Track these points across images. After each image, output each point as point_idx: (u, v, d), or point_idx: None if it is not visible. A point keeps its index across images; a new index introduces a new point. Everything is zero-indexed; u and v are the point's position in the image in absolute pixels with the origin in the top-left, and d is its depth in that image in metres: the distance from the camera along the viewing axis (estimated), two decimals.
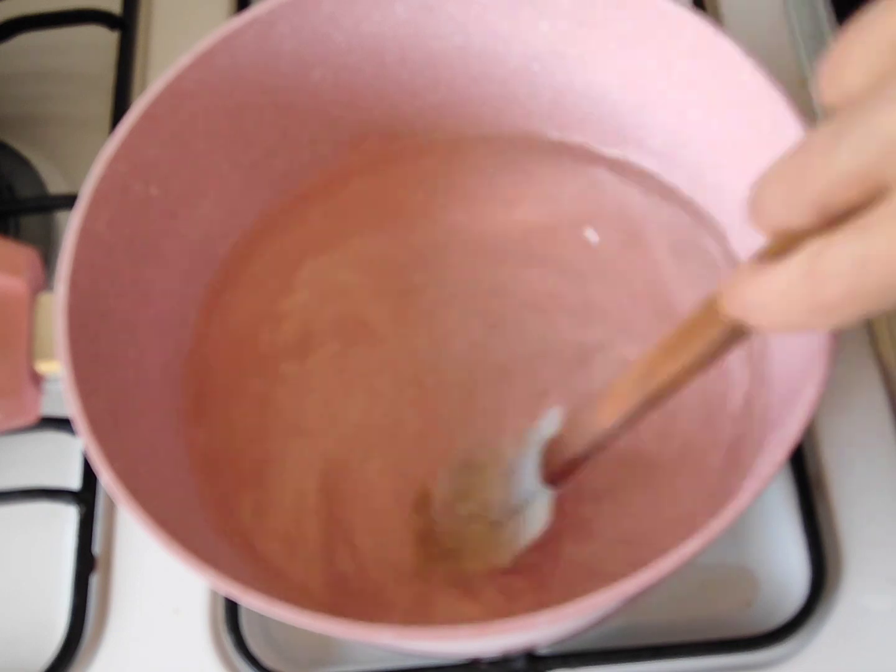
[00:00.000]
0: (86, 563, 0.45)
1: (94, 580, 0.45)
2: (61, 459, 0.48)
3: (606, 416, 0.33)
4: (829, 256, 0.24)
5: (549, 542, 0.38)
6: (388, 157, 0.46)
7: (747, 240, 0.42)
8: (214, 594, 0.45)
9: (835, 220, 0.24)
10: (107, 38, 0.57)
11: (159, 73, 0.39)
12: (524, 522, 0.37)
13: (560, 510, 0.37)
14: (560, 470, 0.36)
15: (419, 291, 0.45)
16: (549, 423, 0.36)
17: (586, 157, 0.46)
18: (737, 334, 0.28)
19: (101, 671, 0.44)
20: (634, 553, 0.38)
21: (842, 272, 0.23)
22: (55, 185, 0.55)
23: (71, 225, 0.37)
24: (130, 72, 0.55)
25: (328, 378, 0.44)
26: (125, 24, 0.56)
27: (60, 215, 0.54)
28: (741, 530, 0.45)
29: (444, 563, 0.39)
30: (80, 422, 0.34)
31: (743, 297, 0.26)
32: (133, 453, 0.36)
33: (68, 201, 0.49)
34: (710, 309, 0.29)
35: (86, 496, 0.46)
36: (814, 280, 0.24)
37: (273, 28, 0.40)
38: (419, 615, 0.39)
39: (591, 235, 0.45)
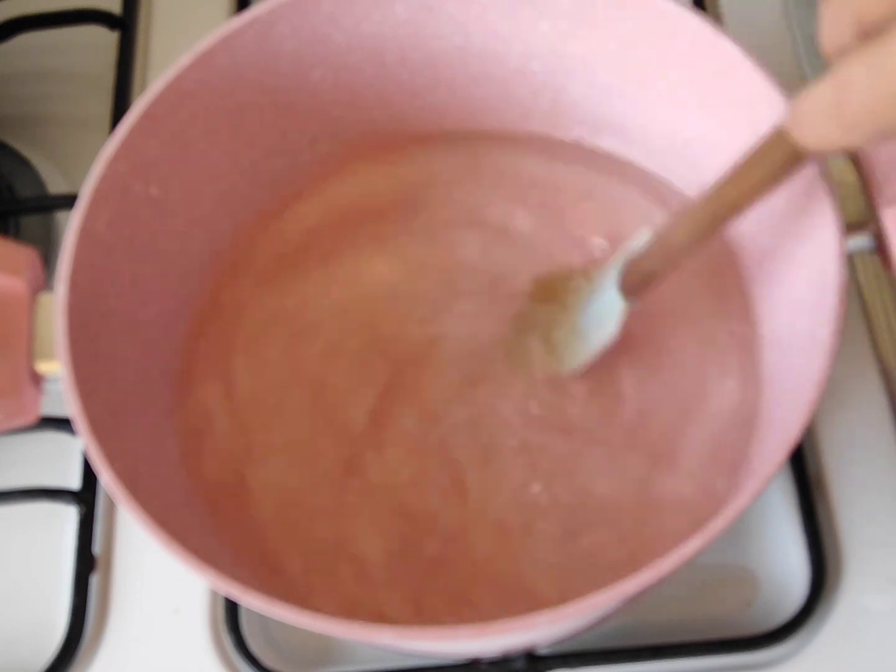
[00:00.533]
0: (86, 563, 0.45)
1: (94, 580, 0.45)
2: (61, 459, 0.48)
3: (679, 234, 0.36)
4: (852, 68, 0.26)
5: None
6: (388, 157, 0.46)
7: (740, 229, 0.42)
8: (214, 594, 0.45)
9: (870, 36, 0.26)
10: (107, 38, 0.57)
11: (159, 73, 0.39)
12: (599, 328, 0.40)
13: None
14: (637, 284, 0.39)
15: (419, 289, 0.45)
16: (637, 242, 0.39)
17: (586, 156, 0.46)
18: (796, 157, 0.31)
19: (101, 671, 0.44)
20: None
21: (861, 83, 0.26)
22: (55, 185, 0.55)
23: (71, 225, 0.37)
24: (130, 72, 0.55)
25: (328, 375, 0.44)
26: (125, 24, 0.56)
27: (60, 215, 0.54)
28: (741, 530, 0.45)
29: (528, 361, 0.43)
30: (80, 422, 0.34)
31: (794, 115, 0.29)
32: (133, 453, 0.36)
33: (68, 201, 0.49)
34: (774, 135, 0.31)
35: (86, 496, 0.46)
36: (840, 92, 0.26)
37: (273, 28, 0.40)
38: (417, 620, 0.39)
39: (592, 235, 0.45)
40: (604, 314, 0.40)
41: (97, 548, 0.46)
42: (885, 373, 0.46)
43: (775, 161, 0.31)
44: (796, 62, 0.53)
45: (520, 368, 0.43)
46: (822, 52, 0.29)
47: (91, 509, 0.46)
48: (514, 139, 0.46)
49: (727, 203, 0.34)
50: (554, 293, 0.43)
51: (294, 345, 0.44)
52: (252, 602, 0.31)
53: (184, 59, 0.39)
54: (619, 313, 0.39)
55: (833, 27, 0.28)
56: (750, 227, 0.41)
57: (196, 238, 0.43)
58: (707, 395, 0.42)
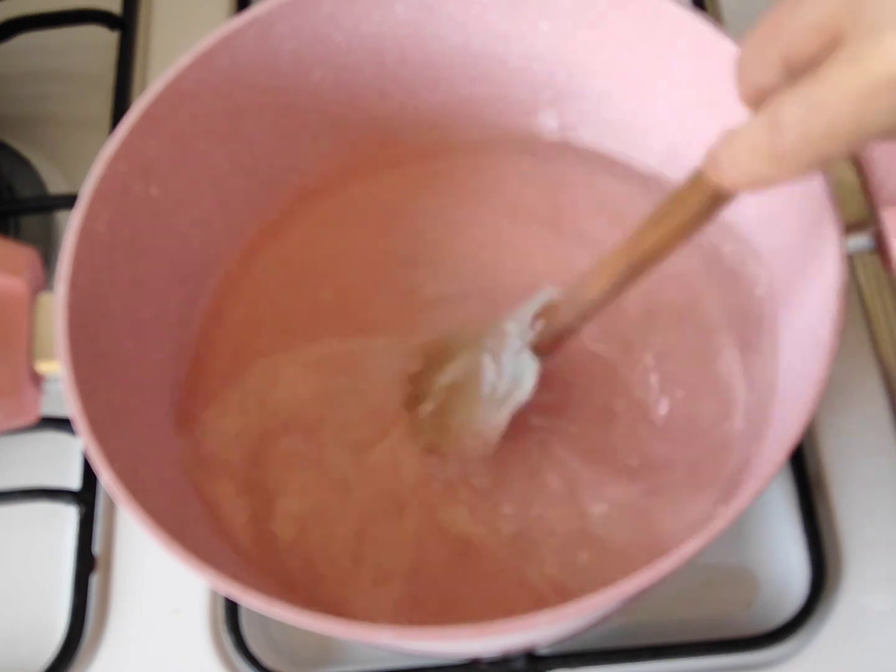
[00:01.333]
0: (86, 563, 0.45)
1: (94, 580, 0.45)
2: (61, 459, 0.48)
3: (595, 287, 0.34)
4: (786, 105, 0.26)
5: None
6: (388, 157, 0.46)
7: (741, 220, 0.42)
8: (214, 594, 0.45)
9: (799, 74, 0.26)
10: (107, 38, 0.57)
11: (159, 73, 0.39)
12: (515, 389, 0.38)
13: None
14: (549, 342, 0.37)
15: (419, 288, 0.45)
16: (540, 298, 0.38)
17: (586, 156, 0.46)
18: (716, 200, 0.30)
19: (101, 671, 0.44)
20: None
21: (796, 119, 0.26)
22: (55, 185, 0.55)
23: (71, 225, 0.37)
24: (130, 72, 0.55)
25: (328, 376, 0.44)
26: (125, 24, 0.56)
27: (60, 215, 0.54)
28: (741, 530, 0.45)
29: (431, 436, 0.41)
30: (80, 422, 0.34)
31: (718, 157, 0.29)
32: (133, 453, 0.36)
33: (68, 201, 0.49)
34: (692, 179, 0.30)
35: (86, 496, 0.46)
36: (773, 129, 0.26)
37: (273, 28, 0.40)
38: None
39: (592, 234, 0.45)
40: (518, 375, 0.38)
41: (97, 548, 0.46)
42: (885, 373, 0.46)
43: (695, 205, 0.30)
44: None
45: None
46: (739, 93, 0.29)
47: (91, 509, 0.46)
48: (514, 138, 0.46)
49: (645, 252, 0.32)
50: (457, 365, 0.41)
51: (296, 343, 0.44)
52: (252, 602, 0.31)
53: (184, 59, 0.39)
54: (533, 374, 0.38)
55: (756, 65, 0.28)
56: (750, 228, 0.41)
57: (196, 238, 0.43)
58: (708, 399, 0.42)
